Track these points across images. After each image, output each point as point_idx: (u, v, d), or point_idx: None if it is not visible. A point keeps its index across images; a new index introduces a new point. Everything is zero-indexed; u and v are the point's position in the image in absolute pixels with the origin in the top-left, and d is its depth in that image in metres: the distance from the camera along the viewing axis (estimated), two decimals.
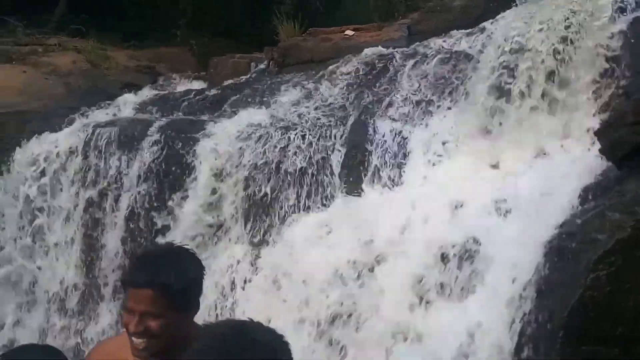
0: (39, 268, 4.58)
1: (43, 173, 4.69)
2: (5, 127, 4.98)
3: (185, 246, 1.57)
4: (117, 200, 4.46)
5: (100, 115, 5.22)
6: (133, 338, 1.45)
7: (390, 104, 3.94)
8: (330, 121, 4.14)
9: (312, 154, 3.97)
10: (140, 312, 1.42)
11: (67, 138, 4.74)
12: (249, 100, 4.85)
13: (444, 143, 3.55)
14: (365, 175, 3.63)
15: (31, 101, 5.40)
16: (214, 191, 4.24)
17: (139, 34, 8.31)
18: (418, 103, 3.87)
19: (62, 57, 6.35)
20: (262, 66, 5.46)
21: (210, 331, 1.08)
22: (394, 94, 3.97)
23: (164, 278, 1.42)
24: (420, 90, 3.94)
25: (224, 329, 1.07)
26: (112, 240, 4.39)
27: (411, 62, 4.17)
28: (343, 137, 3.93)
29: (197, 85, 5.96)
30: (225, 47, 7.86)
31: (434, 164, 3.44)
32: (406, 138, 3.62)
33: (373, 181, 3.53)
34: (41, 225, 4.66)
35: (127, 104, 5.45)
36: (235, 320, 1.31)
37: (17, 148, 4.65)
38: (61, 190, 4.65)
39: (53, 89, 5.63)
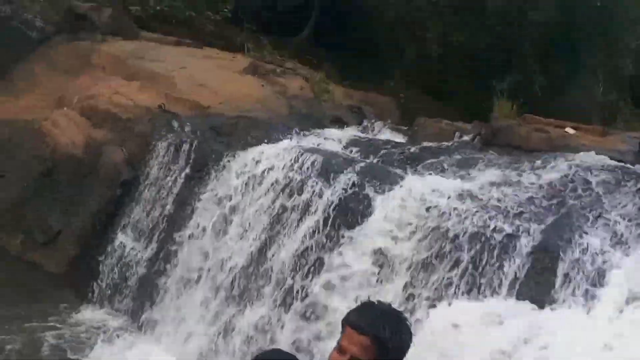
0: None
1: (247, 176, 5.39)
2: (236, 126, 5.88)
3: (403, 313, 1.70)
4: (300, 219, 4.92)
5: (309, 140, 5.84)
6: None
7: (597, 220, 3.69)
8: (524, 214, 4.03)
9: (494, 242, 3.91)
10: (352, 355, 1.54)
11: (278, 152, 5.40)
12: (445, 167, 4.96)
13: None
14: (546, 285, 3.45)
15: (261, 112, 6.29)
16: (383, 247, 4.38)
17: (357, 74, 9.10)
18: (632, 232, 3.55)
19: (293, 81, 7.28)
20: (466, 138, 5.53)
21: None
22: (606, 212, 3.71)
23: (385, 332, 1.52)
24: None
25: None
26: (285, 253, 4.84)
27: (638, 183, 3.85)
28: (534, 236, 3.79)
29: (397, 137, 6.29)
30: (432, 107, 8.18)
31: (634, 307, 3.09)
32: (608, 263, 3.35)
33: (554, 296, 3.33)
34: (227, 217, 5.32)
35: (333, 137, 6.01)
36: None
37: (240, 151, 5.42)
38: (255, 194, 5.28)
39: (279, 108, 6.48)
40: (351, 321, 1.59)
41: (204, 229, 5.31)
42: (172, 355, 5.09)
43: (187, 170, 5.60)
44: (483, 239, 3.96)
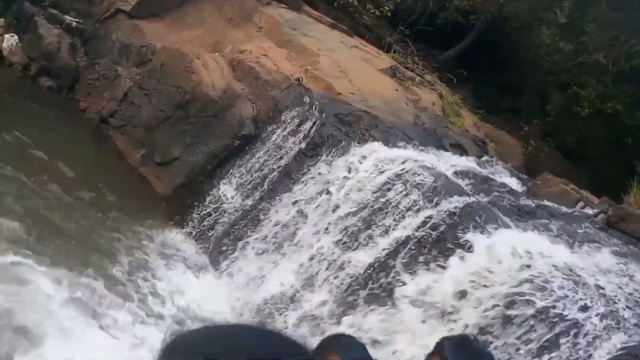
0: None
1: (354, 170, 5.47)
2: (359, 120, 5.98)
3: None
4: (389, 229, 4.92)
5: (424, 156, 5.78)
6: None
7: None
8: (626, 311, 3.71)
9: (584, 327, 3.65)
10: None
11: (392, 158, 5.41)
12: (557, 233, 4.67)
13: None
14: None
15: (386, 114, 6.34)
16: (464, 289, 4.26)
17: (493, 107, 8.80)
18: None
19: (426, 95, 7.23)
20: (589, 211, 5.15)
21: None
22: None
23: None
24: None
25: None
26: (361, 254, 4.90)
27: None
28: (629, 337, 3.49)
29: (514, 184, 6.02)
30: (560, 165, 7.70)
31: None
32: None
33: None
34: (323, 202, 5.45)
35: (449, 162, 5.89)
36: None
37: (355, 144, 5.51)
38: (356, 190, 5.35)
39: (405, 115, 6.48)
40: (448, 350, 1.63)
41: (297, 206, 5.51)
42: (226, 301, 5.38)
43: (303, 145, 5.82)
44: (572, 318, 3.71)
